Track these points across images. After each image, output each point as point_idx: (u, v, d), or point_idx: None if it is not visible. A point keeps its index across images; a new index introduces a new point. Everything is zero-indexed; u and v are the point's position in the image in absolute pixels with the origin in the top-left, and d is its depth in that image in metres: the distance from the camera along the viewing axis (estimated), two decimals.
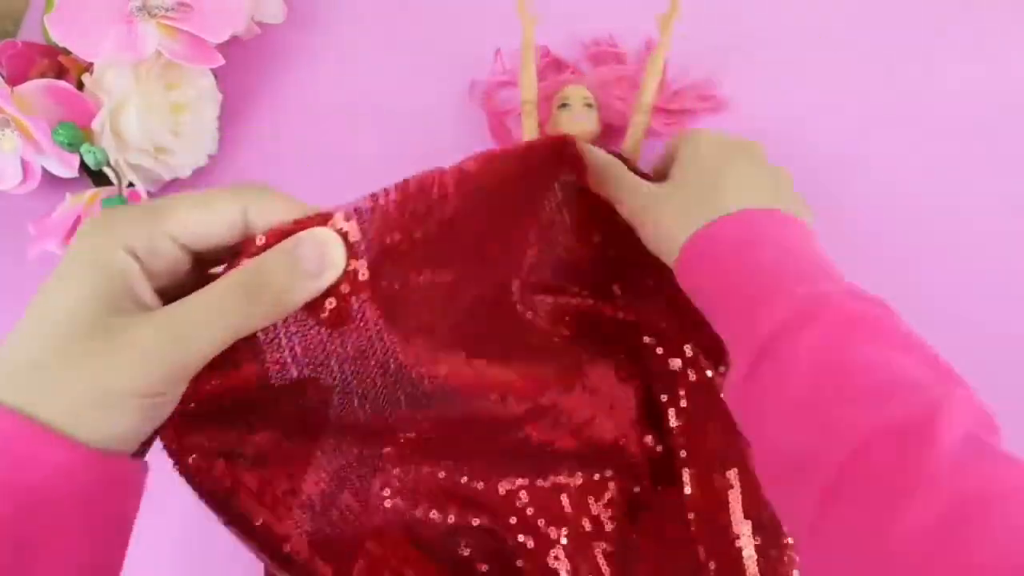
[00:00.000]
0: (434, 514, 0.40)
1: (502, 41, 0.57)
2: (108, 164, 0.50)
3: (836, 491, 0.26)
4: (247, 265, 0.26)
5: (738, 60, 0.55)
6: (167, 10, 0.50)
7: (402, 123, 0.56)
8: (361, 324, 0.30)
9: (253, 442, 0.32)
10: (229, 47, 0.53)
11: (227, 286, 0.26)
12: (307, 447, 0.35)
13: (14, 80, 0.50)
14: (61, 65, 0.53)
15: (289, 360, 0.29)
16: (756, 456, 0.32)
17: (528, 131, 0.49)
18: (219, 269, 0.27)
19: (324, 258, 0.27)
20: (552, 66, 0.56)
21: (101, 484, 0.25)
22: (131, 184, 0.51)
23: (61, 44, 0.49)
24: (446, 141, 0.55)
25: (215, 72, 0.55)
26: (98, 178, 0.51)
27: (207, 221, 0.26)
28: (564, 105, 0.49)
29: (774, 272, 0.32)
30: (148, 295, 0.26)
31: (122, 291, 0.25)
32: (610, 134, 0.51)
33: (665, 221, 0.37)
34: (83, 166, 0.50)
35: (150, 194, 0.52)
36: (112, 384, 0.24)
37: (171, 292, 0.27)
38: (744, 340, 0.32)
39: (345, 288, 0.29)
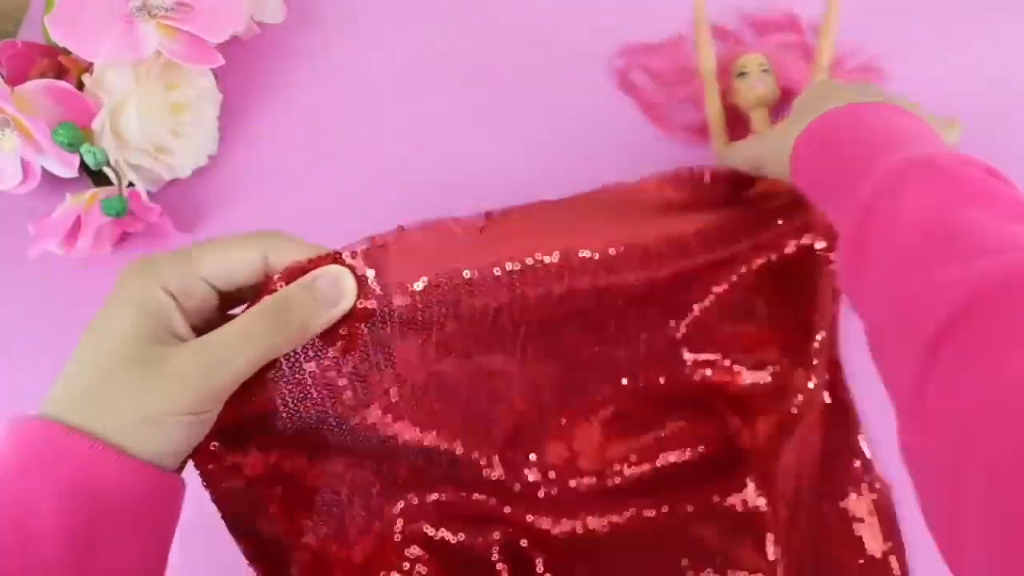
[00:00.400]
0: (460, 536, 0.40)
1: (502, 39, 0.57)
2: (108, 164, 0.50)
3: (938, 347, 0.25)
4: (272, 297, 0.30)
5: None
6: (167, 10, 0.50)
7: (402, 123, 0.56)
8: (369, 352, 0.33)
9: (273, 461, 0.34)
10: (229, 47, 0.53)
11: (255, 315, 0.30)
12: (321, 465, 0.36)
13: (14, 80, 0.50)
14: (61, 65, 0.53)
15: (309, 381, 0.32)
16: (864, 326, 0.30)
17: (712, 105, 0.51)
18: (239, 310, 0.31)
19: (339, 289, 0.31)
20: (716, 35, 0.57)
21: (150, 494, 0.28)
22: (131, 184, 0.51)
23: (61, 44, 0.49)
24: (446, 141, 0.55)
25: (215, 72, 0.55)
26: (98, 178, 0.51)
27: (233, 263, 0.31)
28: (742, 74, 0.51)
29: (873, 143, 0.33)
30: (184, 329, 0.30)
31: (162, 325, 0.29)
32: (788, 99, 0.52)
33: (782, 141, 0.38)
34: (83, 166, 0.50)
35: (150, 194, 0.52)
36: (159, 405, 0.27)
37: (201, 328, 0.30)
38: (850, 209, 0.31)
39: (355, 318, 0.32)
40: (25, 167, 0.50)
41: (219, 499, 0.33)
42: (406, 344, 0.34)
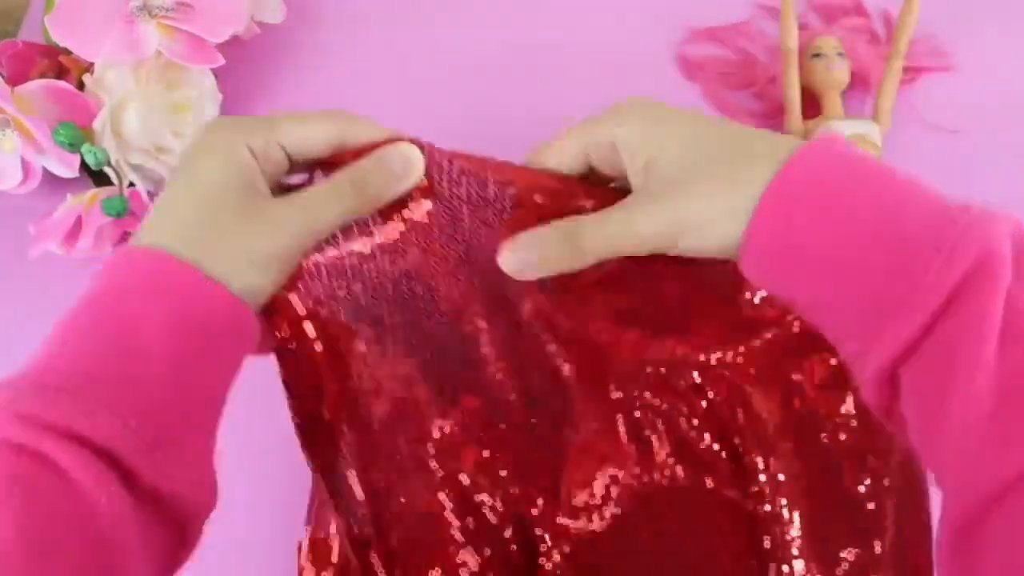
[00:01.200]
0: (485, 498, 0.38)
1: (503, 39, 0.57)
2: (109, 164, 0.50)
3: (1004, 497, 0.23)
4: (351, 167, 0.32)
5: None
6: (167, 10, 0.50)
7: (402, 123, 0.56)
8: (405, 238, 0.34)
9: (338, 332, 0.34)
10: (229, 47, 0.53)
11: (341, 180, 0.32)
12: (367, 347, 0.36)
13: (14, 80, 0.50)
14: (61, 65, 0.53)
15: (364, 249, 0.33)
16: (926, 459, 0.27)
17: (790, 81, 0.52)
18: (294, 179, 0.34)
19: (408, 165, 0.33)
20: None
21: (242, 331, 0.30)
22: (132, 184, 0.51)
23: (61, 44, 0.49)
24: (445, 142, 0.55)
25: (215, 72, 0.55)
26: (99, 178, 0.51)
27: (312, 136, 0.32)
28: (817, 55, 0.52)
29: (896, 216, 0.26)
30: (264, 188, 0.31)
31: (249, 179, 0.30)
32: (854, 84, 0.54)
33: (700, 221, 0.29)
34: (84, 166, 0.50)
35: (151, 194, 0.52)
36: (263, 249, 0.30)
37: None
38: (897, 307, 0.26)
39: (416, 196, 0.34)
40: (25, 167, 0.50)
41: (283, 363, 0.33)
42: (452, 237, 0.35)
